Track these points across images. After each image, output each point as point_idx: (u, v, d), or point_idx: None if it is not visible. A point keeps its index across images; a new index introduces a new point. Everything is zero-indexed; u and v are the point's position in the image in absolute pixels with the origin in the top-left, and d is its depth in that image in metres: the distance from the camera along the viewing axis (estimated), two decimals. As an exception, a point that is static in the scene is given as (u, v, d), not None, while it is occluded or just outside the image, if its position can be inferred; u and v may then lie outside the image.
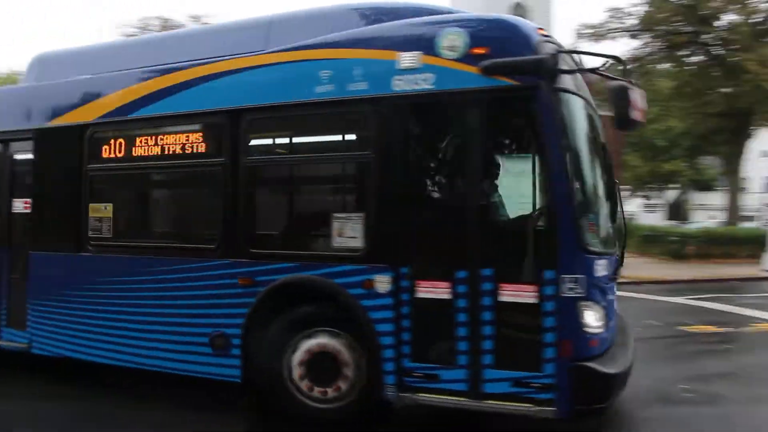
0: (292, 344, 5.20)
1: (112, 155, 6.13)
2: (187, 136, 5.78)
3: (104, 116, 6.17)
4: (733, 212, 29.14)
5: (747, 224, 32.46)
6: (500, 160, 5.08)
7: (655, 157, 42.17)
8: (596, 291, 4.60)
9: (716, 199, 44.86)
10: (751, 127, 30.69)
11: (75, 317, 6.26)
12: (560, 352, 4.48)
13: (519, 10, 24.61)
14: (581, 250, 4.50)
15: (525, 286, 4.62)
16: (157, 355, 5.85)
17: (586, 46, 25.23)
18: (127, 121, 6.07)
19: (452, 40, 4.78)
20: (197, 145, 5.76)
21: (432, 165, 5.27)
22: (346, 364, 5.09)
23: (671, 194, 53.65)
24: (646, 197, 48.75)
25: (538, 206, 4.79)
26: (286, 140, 5.92)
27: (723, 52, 25.29)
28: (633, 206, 47.24)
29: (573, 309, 4.47)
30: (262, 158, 5.74)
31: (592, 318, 4.55)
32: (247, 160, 5.48)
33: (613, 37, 28.03)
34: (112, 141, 6.12)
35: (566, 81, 4.60)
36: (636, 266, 17.36)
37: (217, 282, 5.51)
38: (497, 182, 5.01)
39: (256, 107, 5.45)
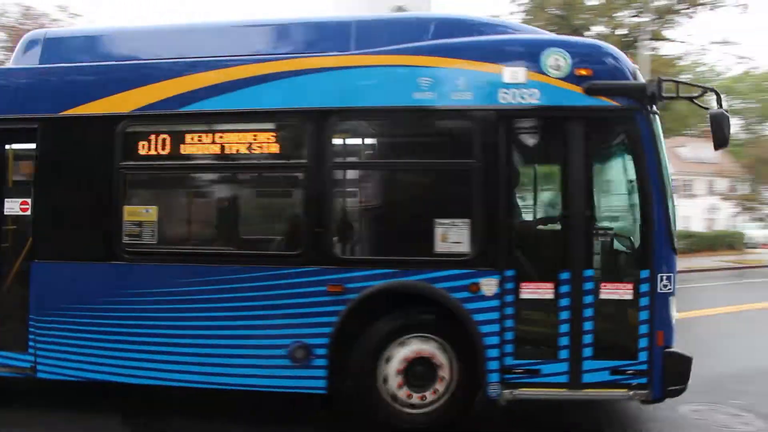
0: (386, 353, 5.22)
1: (158, 152, 5.46)
2: (259, 135, 5.41)
3: (147, 107, 5.51)
4: None
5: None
6: (598, 171, 5.58)
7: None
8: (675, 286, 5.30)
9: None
10: None
11: (100, 334, 5.52)
12: (654, 341, 5.11)
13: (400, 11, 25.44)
14: (672, 251, 5.19)
15: (624, 284, 5.20)
16: (219, 371, 5.40)
17: None
18: (181, 115, 5.51)
19: (557, 60, 5.18)
20: (273, 145, 5.43)
21: (536, 175, 5.62)
22: (440, 367, 5.24)
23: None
24: None
25: (633, 215, 5.38)
26: (377, 144, 5.85)
27: None
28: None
29: (666, 303, 5.15)
30: (352, 162, 5.62)
31: (675, 310, 5.25)
32: (335, 163, 5.34)
33: None
34: (158, 136, 5.47)
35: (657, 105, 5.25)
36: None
37: (300, 290, 5.25)
38: (595, 192, 5.49)
39: (348, 109, 5.34)
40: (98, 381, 5.66)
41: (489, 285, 5.13)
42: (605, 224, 5.59)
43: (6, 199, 5.76)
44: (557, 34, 29.24)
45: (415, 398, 5.22)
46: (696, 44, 34.37)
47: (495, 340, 5.13)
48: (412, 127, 5.59)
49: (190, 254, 5.66)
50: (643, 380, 5.15)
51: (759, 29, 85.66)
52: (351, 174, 5.63)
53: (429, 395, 5.23)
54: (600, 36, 26.80)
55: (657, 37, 26.14)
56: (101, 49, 6.00)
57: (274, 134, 5.46)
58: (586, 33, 27.52)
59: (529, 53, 5.25)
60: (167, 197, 5.91)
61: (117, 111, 5.54)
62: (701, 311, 11.87)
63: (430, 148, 5.78)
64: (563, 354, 5.17)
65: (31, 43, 6.15)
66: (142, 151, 5.52)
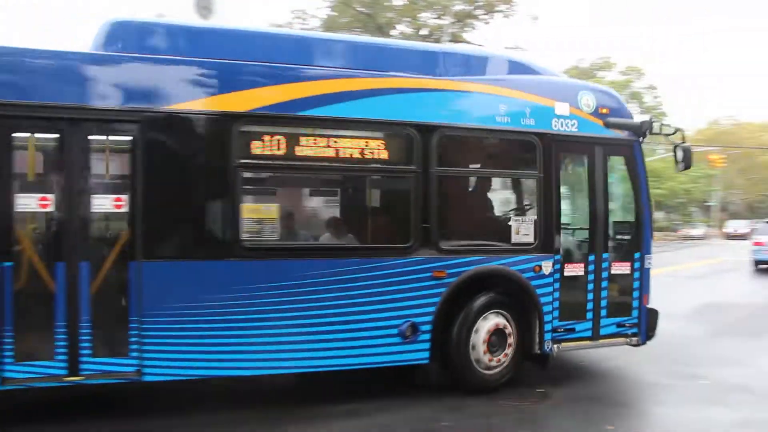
0: (475, 326, 6.41)
1: (277, 152, 5.72)
2: (372, 142, 6.07)
3: (266, 108, 5.70)
4: None
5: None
6: (610, 184, 7.35)
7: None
8: (650, 263, 7.47)
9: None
10: None
11: (214, 330, 5.57)
12: (642, 302, 7.22)
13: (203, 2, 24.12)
14: (651, 239, 7.31)
15: (625, 263, 7.18)
16: (335, 354, 5.96)
17: None
18: (302, 118, 5.82)
19: (588, 100, 6.95)
20: (385, 152, 6.12)
21: (576, 184, 7.21)
22: (509, 335, 6.63)
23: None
24: None
25: (631, 215, 7.38)
26: (468, 156, 6.84)
27: None
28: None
29: (648, 274, 7.29)
30: (451, 169, 6.53)
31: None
32: (438, 170, 6.27)
33: None
34: (277, 137, 5.72)
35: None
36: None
37: (409, 277, 6.14)
38: (609, 197, 7.30)
39: (449, 125, 6.32)
40: (208, 377, 5.75)
41: (547, 266, 6.68)
42: (613, 222, 7.48)
43: (20, 194, 5.24)
44: (363, 31, 29.53)
45: (494, 361, 6.52)
46: (493, 49, 38.12)
47: (549, 308, 6.69)
48: (492, 143, 6.83)
49: (311, 249, 6.04)
50: (635, 330, 7.23)
51: (548, 39, 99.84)
52: (450, 180, 6.60)
53: (502, 358, 6.57)
54: (403, 35, 28.66)
55: (457, 39, 28.02)
56: (199, 45, 5.87)
57: (386, 142, 6.18)
58: (392, 32, 28.88)
59: (571, 93, 6.96)
60: (285, 196, 6.12)
61: (235, 110, 5.65)
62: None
63: (507, 162, 7.16)
64: (589, 315, 6.98)
65: (112, 31, 5.72)
66: (262, 151, 5.73)
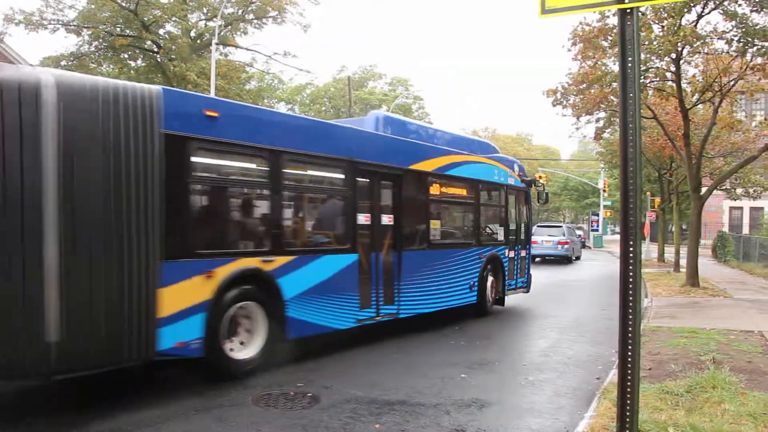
0: (488, 279, 12.97)
1: (437, 192, 11.19)
2: (467, 189, 12.15)
3: (438, 169, 11.20)
4: None
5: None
6: (520, 208, 14.38)
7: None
8: (527, 252, 14.96)
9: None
10: None
11: (423, 287, 10.56)
12: (528, 270, 14.62)
13: None
14: (529, 241, 14.84)
15: (523, 251, 14.45)
16: (452, 298, 11.60)
17: (18, 32, 23.97)
18: (448, 175, 11.48)
19: (516, 168, 14.18)
20: (469, 192, 12.24)
21: (508, 212, 14.07)
22: (493, 283, 13.29)
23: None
24: None
25: (521, 227, 14.49)
26: (482, 195, 12.85)
27: (165, 60, 27.13)
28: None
29: (528, 258, 14.75)
30: (480, 202, 12.65)
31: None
32: (481, 203, 12.56)
33: (52, 30, 26.04)
34: (438, 183, 11.21)
35: (525, 185, 14.71)
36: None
37: (473, 258, 12.41)
38: (512, 216, 14.24)
39: (483, 180, 12.59)
40: (420, 314, 10.55)
41: (509, 253, 13.54)
42: (510, 232, 14.42)
43: (382, 215, 9.81)
44: (126, 29, 28.19)
45: (493, 292, 13.05)
46: (265, 54, 36.05)
47: (507, 272, 13.53)
48: (491, 190, 13.25)
49: (447, 243, 11.66)
50: (525, 286, 14.54)
51: (319, 47, 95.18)
52: (482, 206, 12.79)
53: (491, 296, 13.15)
54: (171, 36, 28.27)
55: (228, 42, 29.41)
56: (419, 134, 11.39)
57: (467, 188, 12.22)
58: (161, 31, 28.22)
59: (512, 164, 14.06)
60: (436, 215, 11.43)
61: (428, 169, 11.01)
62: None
63: (494, 199, 13.43)
64: (515, 276, 14.03)
65: (379, 119, 10.56)
66: (434, 192, 11.13)
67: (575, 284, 19.29)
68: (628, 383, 3.62)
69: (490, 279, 12.73)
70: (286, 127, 8.38)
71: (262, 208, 7.92)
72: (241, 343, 7.30)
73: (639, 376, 3.71)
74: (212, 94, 22.20)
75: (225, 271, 6.94)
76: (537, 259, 27.88)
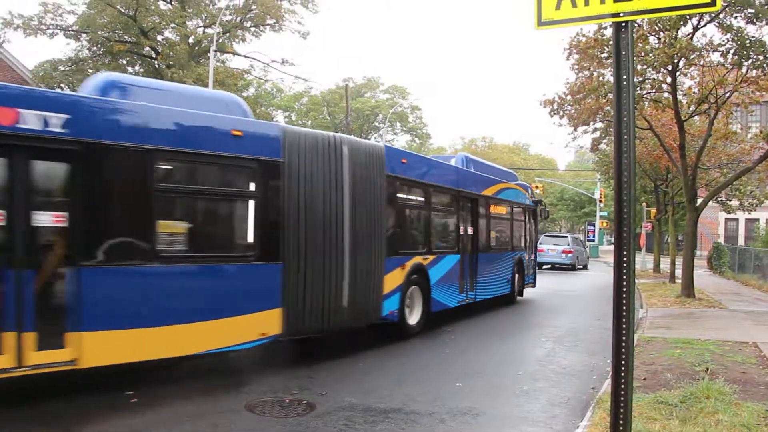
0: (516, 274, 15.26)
1: (491, 210, 14.26)
2: (508, 209, 15.28)
3: (490, 194, 14.21)
4: None
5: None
6: (532, 222, 16.82)
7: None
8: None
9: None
10: None
11: (488, 281, 13.95)
12: (534, 270, 17.18)
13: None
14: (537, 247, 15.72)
15: (530, 255, 16.53)
16: (498, 291, 14.79)
17: (17, 37, 23.95)
18: (495, 198, 14.23)
19: (530, 191, 17.48)
20: (506, 210, 15.22)
21: (527, 226, 15.12)
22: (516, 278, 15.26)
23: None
24: None
25: (532, 236, 16.42)
26: (513, 213, 15.79)
27: (164, 66, 26.98)
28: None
29: (535, 260, 17.22)
30: (497, 218, 14.50)
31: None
32: (498, 217, 14.47)
33: (50, 35, 26.01)
34: (493, 203, 14.32)
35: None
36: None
37: (509, 259, 15.26)
38: (528, 228, 15.77)
39: (517, 203, 16.15)
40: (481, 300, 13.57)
41: (526, 256, 16.48)
42: (529, 238, 15.80)
43: (468, 226, 13.27)
44: (125, 34, 27.97)
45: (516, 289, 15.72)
46: (262, 61, 35.95)
47: (526, 271, 16.01)
48: (517, 208, 16.12)
49: (494, 248, 13.81)
50: (533, 281, 17.50)
51: (317, 55, 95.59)
52: (513, 222, 15.74)
53: (517, 288, 15.79)
54: (169, 42, 28.36)
55: (225, 49, 29.40)
56: (483, 167, 14.68)
57: (506, 207, 15.30)
58: (159, 37, 28.36)
59: (528, 188, 17.88)
60: (495, 227, 14.24)
61: (489, 194, 14.09)
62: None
63: (519, 216, 16.31)
64: (529, 273, 16.61)
65: (464, 159, 13.85)
66: (492, 210, 14.17)
67: (571, 294, 19.28)
68: (622, 393, 3.63)
69: (517, 276, 15.71)
70: (433, 169, 11.85)
71: (423, 222, 11.30)
72: (410, 314, 10.46)
73: (632, 386, 3.72)
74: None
75: (409, 264, 10.36)
76: (545, 267, 29.99)
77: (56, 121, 6.07)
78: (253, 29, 30.51)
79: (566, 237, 33.22)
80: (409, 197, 10.80)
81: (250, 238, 7.88)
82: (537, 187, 38.32)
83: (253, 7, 29.14)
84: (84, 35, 26.91)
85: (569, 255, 30.49)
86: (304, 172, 8.13)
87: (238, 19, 29.93)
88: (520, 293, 16.19)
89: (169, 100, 7.22)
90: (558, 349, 9.99)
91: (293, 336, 8.22)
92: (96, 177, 6.44)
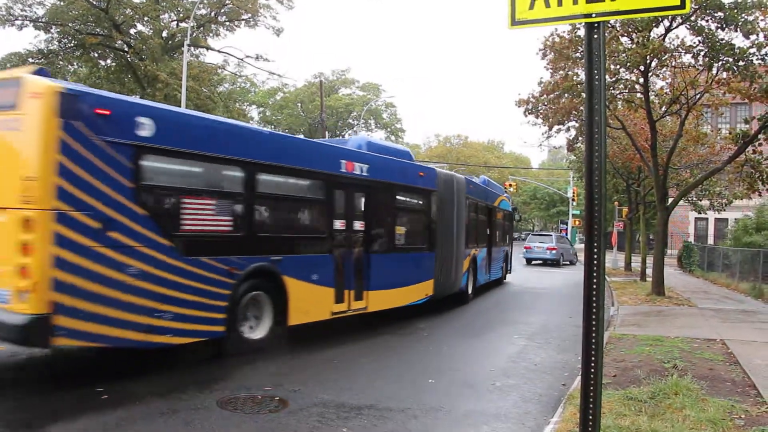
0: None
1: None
2: (499, 212, 18.72)
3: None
4: None
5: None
6: (511, 223, 20.07)
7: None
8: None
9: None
10: None
11: (496, 265, 19.44)
12: (511, 260, 18.80)
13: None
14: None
15: (510, 248, 17.07)
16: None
17: None
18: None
19: (507, 198, 18.11)
20: (500, 216, 19.92)
21: (508, 226, 16.66)
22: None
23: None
24: None
25: (512, 234, 17.88)
26: (504, 217, 20.58)
27: (136, 60, 26.67)
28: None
29: (511, 252, 17.50)
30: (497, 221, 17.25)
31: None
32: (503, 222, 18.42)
33: (19, 26, 25.32)
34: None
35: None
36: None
37: (502, 252, 17.63)
38: (509, 228, 17.08)
39: (503, 209, 19.95)
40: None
41: (508, 249, 19.57)
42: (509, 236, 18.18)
43: (488, 228, 18.20)
44: (96, 27, 27.57)
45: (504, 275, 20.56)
46: (237, 57, 35.60)
47: (510, 260, 18.25)
48: (505, 213, 20.68)
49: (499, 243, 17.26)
50: (510, 269, 20.59)
51: (292, 52, 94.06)
52: (504, 223, 20.44)
53: (504, 274, 19.76)
54: (142, 36, 27.57)
55: (200, 44, 29.02)
56: (491, 184, 19.93)
57: (501, 214, 20.07)
58: (132, 30, 27.83)
59: (509, 198, 19.83)
60: (497, 228, 19.06)
61: (495, 205, 18.51)
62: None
63: (506, 219, 21.03)
64: (510, 262, 19.08)
65: (485, 179, 19.43)
66: (495, 216, 18.83)
67: (543, 292, 19.47)
68: (591, 388, 3.68)
69: (504, 264, 20.47)
70: (481, 191, 17.46)
71: (475, 226, 16.33)
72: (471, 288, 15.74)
73: (601, 382, 3.77)
74: (183, 95, 22.01)
75: (471, 254, 15.59)
76: (534, 262, 33.09)
77: (359, 170, 10.59)
78: (227, 24, 30.27)
79: (551, 235, 35.68)
80: (471, 210, 15.76)
81: (425, 237, 12.92)
82: (511, 185, 39.65)
83: (228, 1, 28.81)
84: (54, 27, 26.25)
85: (553, 252, 32.61)
86: (442, 196, 13.46)
87: (213, 13, 29.83)
88: (504, 278, 21.14)
89: (390, 151, 12.59)
90: (530, 346, 10.09)
91: (436, 297, 13.06)
92: (370, 201, 10.90)
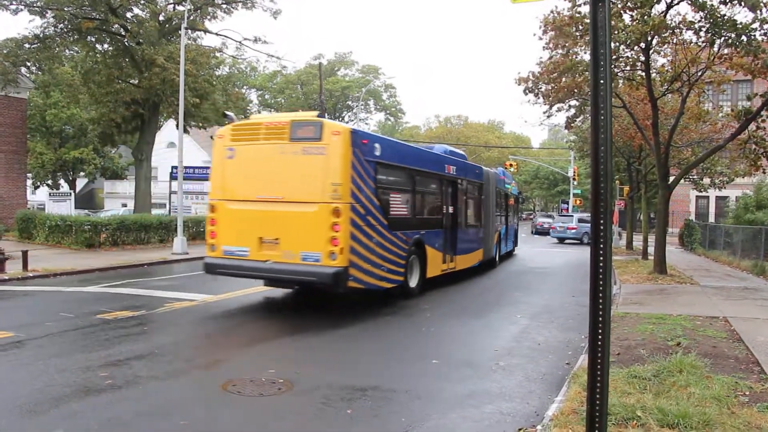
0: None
1: None
2: (512, 197, 22.03)
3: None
4: (143, 200, 29.12)
5: (157, 212, 31.51)
6: (518, 204, 22.43)
7: (61, 145, 39.41)
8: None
9: (127, 187, 46.15)
10: (160, 118, 32.55)
11: (512, 239, 24.64)
12: (517, 235, 20.23)
13: None
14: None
15: (518, 225, 18.00)
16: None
17: None
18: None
19: (513, 183, 19.64)
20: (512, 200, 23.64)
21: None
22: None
23: (81, 183, 49.82)
24: (55, 186, 41.37)
25: (519, 213, 19.73)
26: (516, 199, 25.55)
27: (133, 44, 26.42)
28: (41, 195, 42.06)
29: (518, 228, 18.21)
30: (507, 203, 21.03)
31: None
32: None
33: (14, 11, 24.97)
34: None
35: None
36: (47, 258, 17.53)
37: (513, 228, 19.31)
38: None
39: (514, 194, 22.55)
40: None
41: (516, 225, 22.40)
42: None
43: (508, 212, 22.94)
44: (92, 11, 28.17)
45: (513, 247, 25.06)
46: (234, 39, 34.60)
47: (517, 235, 19.43)
48: (515, 196, 24.99)
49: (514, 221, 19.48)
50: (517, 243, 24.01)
51: (291, 35, 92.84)
52: (515, 204, 24.96)
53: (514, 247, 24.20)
54: (138, 19, 27.22)
55: (197, 27, 28.73)
56: (506, 176, 24.29)
57: (513, 198, 24.35)
58: (129, 14, 27.69)
59: (511, 180, 23.89)
60: (513, 209, 23.44)
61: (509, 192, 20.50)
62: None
63: (514, 200, 24.83)
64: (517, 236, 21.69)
65: (505, 172, 23.92)
66: (509, 200, 23.40)
67: (546, 271, 19.48)
68: (599, 365, 3.65)
69: (514, 237, 24.52)
70: (508, 182, 22.21)
71: (500, 208, 20.81)
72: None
73: (609, 358, 3.74)
74: (181, 79, 21.77)
75: (498, 229, 20.55)
76: (554, 241, 37.49)
77: (452, 170, 15.28)
78: (224, 6, 29.76)
79: (572, 216, 39.69)
80: (497, 197, 19.96)
81: (479, 217, 17.62)
82: (511, 165, 41.21)
83: (225, -18, 28.47)
84: (49, 12, 25.82)
85: (573, 231, 36.29)
86: (486, 186, 18.16)
87: (210, -4, 29.20)
88: (514, 249, 25.20)
89: (457, 154, 16.90)
90: (533, 325, 10.08)
91: (483, 261, 17.91)
92: (456, 192, 15.45)
